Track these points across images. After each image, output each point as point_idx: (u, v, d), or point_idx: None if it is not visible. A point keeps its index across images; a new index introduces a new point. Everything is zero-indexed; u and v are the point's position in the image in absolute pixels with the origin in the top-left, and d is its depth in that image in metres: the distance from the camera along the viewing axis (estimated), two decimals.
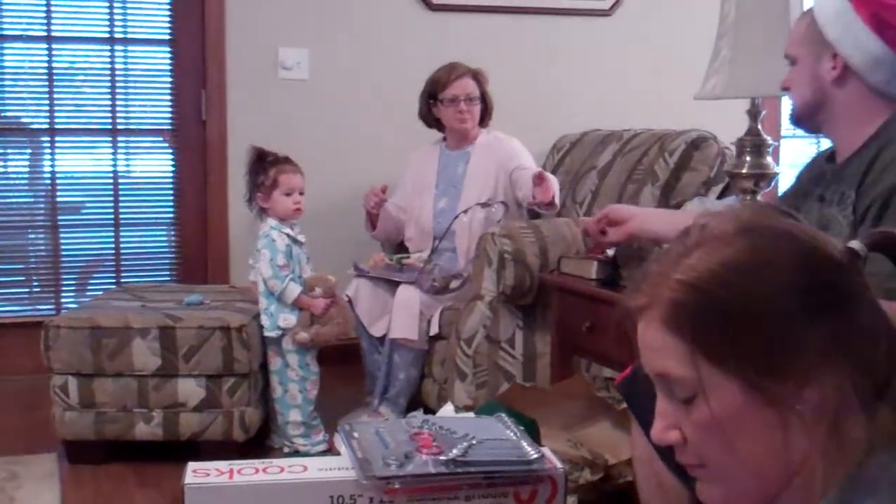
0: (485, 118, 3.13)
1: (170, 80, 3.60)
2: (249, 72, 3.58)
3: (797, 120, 1.66)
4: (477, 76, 3.09)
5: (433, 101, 3.11)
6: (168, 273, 3.67)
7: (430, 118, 3.16)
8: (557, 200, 2.86)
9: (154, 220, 3.70)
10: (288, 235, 2.70)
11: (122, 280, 3.59)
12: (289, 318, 2.67)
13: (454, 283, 2.87)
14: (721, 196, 2.71)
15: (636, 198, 2.84)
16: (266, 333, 2.68)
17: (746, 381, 0.80)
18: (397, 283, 2.88)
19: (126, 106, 3.62)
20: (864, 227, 1.45)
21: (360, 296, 2.92)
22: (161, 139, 3.67)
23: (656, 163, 2.86)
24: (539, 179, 2.75)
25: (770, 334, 0.80)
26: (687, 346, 0.82)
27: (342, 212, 3.53)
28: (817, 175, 1.65)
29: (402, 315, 2.79)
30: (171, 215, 3.68)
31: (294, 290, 2.66)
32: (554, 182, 2.83)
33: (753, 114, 2.17)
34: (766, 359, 0.80)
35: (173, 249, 3.69)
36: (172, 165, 3.65)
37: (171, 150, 3.65)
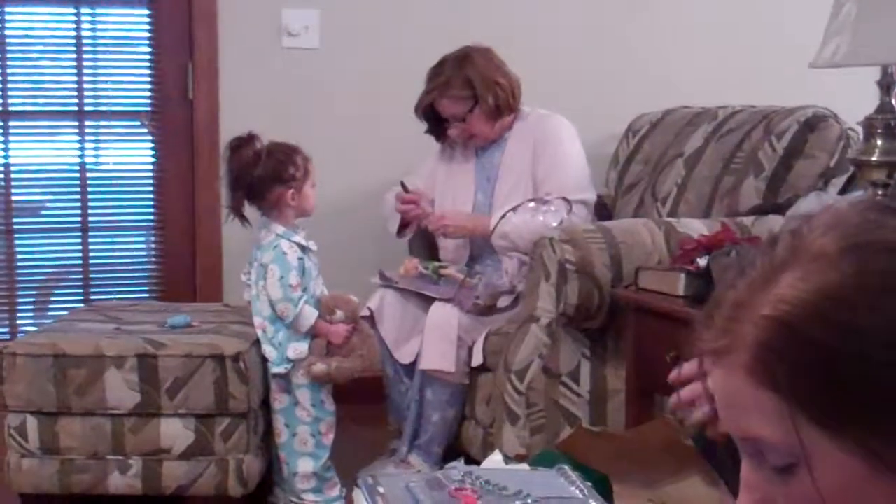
0: (500, 110, 3.01)
1: (149, 50, 3.65)
2: (247, 39, 3.62)
3: None
4: (449, 90, 3.01)
5: None
6: (147, 288, 3.72)
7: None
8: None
9: (131, 224, 3.76)
10: (299, 245, 2.72)
11: (92, 297, 3.65)
12: (300, 348, 2.69)
13: (503, 302, 2.87)
14: (844, 191, 2.69)
15: (734, 193, 2.83)
16: (273, 370, 2.70)
17: (862, 446, 0.77)
18: (431, 299, 2.89)
19: (95, 83, 3.68)
20: None
21: (384, 311, 2.94)
22: (139, 123, 3.72)
23: (761, 148, 2.84)
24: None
25: (892, 387, 0.76)
26: (782, 402, 0.78)
27: (360, 210, 3.56)
28: None
29: (435, 340, 2.80)
30: (151, 217, 3.73)
31: (310, 315, 2.67)
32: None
33: (886, 86, 2.15)
34: (887, 420, 0.76)
35: (154, 259, 3.75)
36: (153, 156, 3.70)
37: (150, 137, 3.70)
